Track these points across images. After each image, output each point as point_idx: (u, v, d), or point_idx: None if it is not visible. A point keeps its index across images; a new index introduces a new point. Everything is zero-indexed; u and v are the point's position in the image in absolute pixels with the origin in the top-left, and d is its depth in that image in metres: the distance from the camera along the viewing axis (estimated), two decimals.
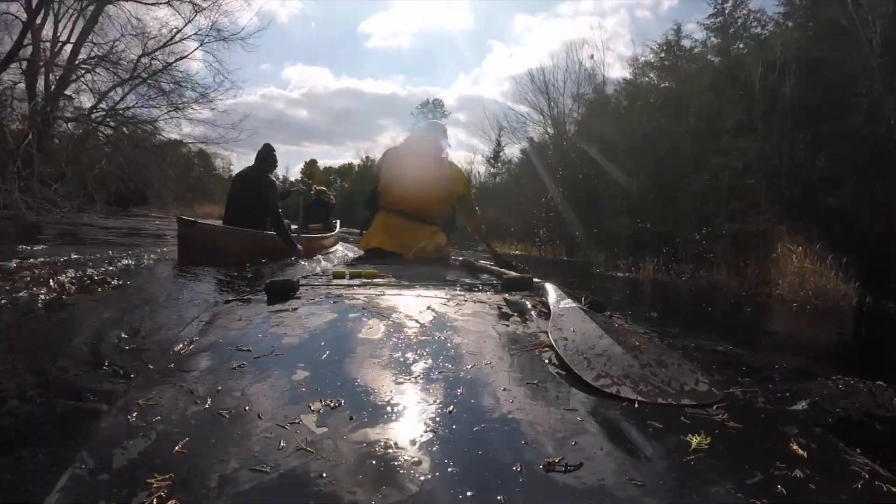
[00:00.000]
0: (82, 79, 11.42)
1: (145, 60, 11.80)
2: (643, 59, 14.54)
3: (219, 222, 4.58)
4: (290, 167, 34.25)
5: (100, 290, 2.82)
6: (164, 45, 12.03)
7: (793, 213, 8.27)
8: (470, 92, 53.57)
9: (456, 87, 56.62)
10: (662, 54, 14.21)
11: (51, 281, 2.84)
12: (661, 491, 0.44)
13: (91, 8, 11.08)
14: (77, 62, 11.11)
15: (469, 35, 56.71)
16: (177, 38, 12.12)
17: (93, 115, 11.33)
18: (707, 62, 12.49)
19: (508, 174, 22.45)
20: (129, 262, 3.75)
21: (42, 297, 2.58)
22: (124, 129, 11.70)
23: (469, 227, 2.67)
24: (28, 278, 2.79)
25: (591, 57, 15.75)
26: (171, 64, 12.09)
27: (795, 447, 0.51)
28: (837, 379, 1.50)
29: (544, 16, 48.88)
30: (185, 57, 12.41)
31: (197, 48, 12.38)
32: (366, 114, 60.23)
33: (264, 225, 4.21)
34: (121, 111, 11.74)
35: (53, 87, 10.84)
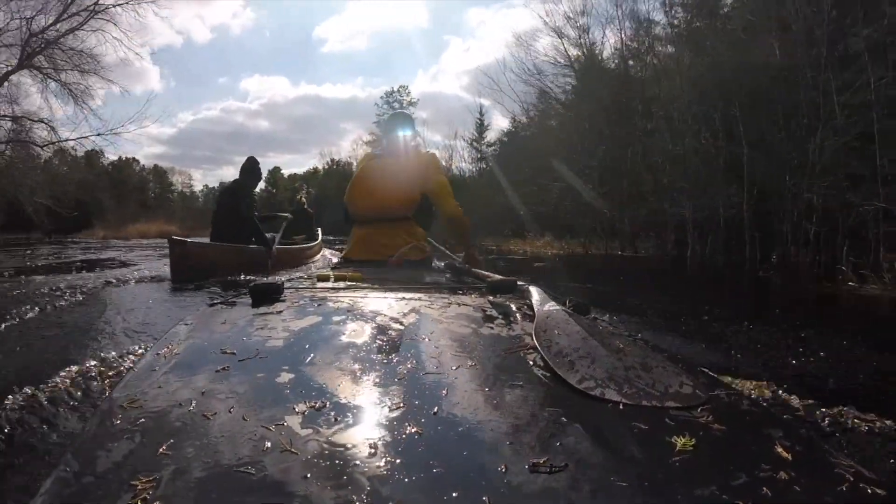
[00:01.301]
0: None
1: (36, 41, 10.20)
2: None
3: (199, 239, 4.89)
4: None
5: (84, 302, 2.82)
6: (57, 21, 10.49)
7: None
8: (430, 88, 53.68)
9: (415, 86, 56.53)
10: None
11: (43, 296, 2.86)
12: (646, 492, 0.45)
13: None
14: None
15: (425, 32, 56.95)
16: (72, 10, 10.41)
17: None
18: None
19: (497, 151, 20.05)
20: (120, 278, 3.87)
21: (31, 311, 2.59)
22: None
23: (448, 232, 2.27)
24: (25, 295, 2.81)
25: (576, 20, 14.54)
26: (61, 36, 10.44)
27: (780, 449, 0.51)
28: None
29: (498, 6, 48.78)
30: (77, 29, 10.77)
31: (91, 16, 10.86)
32: (327, 119, 59.92)
33: (245, 238, 4.39)
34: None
35: None
